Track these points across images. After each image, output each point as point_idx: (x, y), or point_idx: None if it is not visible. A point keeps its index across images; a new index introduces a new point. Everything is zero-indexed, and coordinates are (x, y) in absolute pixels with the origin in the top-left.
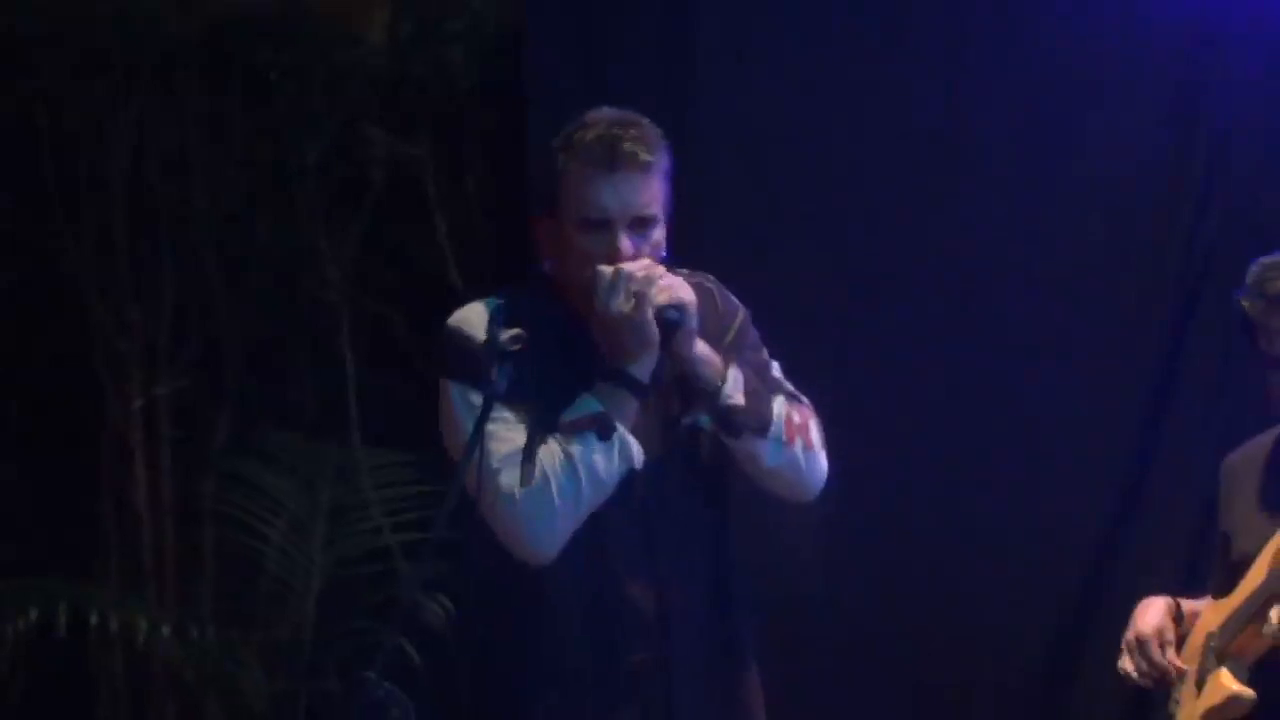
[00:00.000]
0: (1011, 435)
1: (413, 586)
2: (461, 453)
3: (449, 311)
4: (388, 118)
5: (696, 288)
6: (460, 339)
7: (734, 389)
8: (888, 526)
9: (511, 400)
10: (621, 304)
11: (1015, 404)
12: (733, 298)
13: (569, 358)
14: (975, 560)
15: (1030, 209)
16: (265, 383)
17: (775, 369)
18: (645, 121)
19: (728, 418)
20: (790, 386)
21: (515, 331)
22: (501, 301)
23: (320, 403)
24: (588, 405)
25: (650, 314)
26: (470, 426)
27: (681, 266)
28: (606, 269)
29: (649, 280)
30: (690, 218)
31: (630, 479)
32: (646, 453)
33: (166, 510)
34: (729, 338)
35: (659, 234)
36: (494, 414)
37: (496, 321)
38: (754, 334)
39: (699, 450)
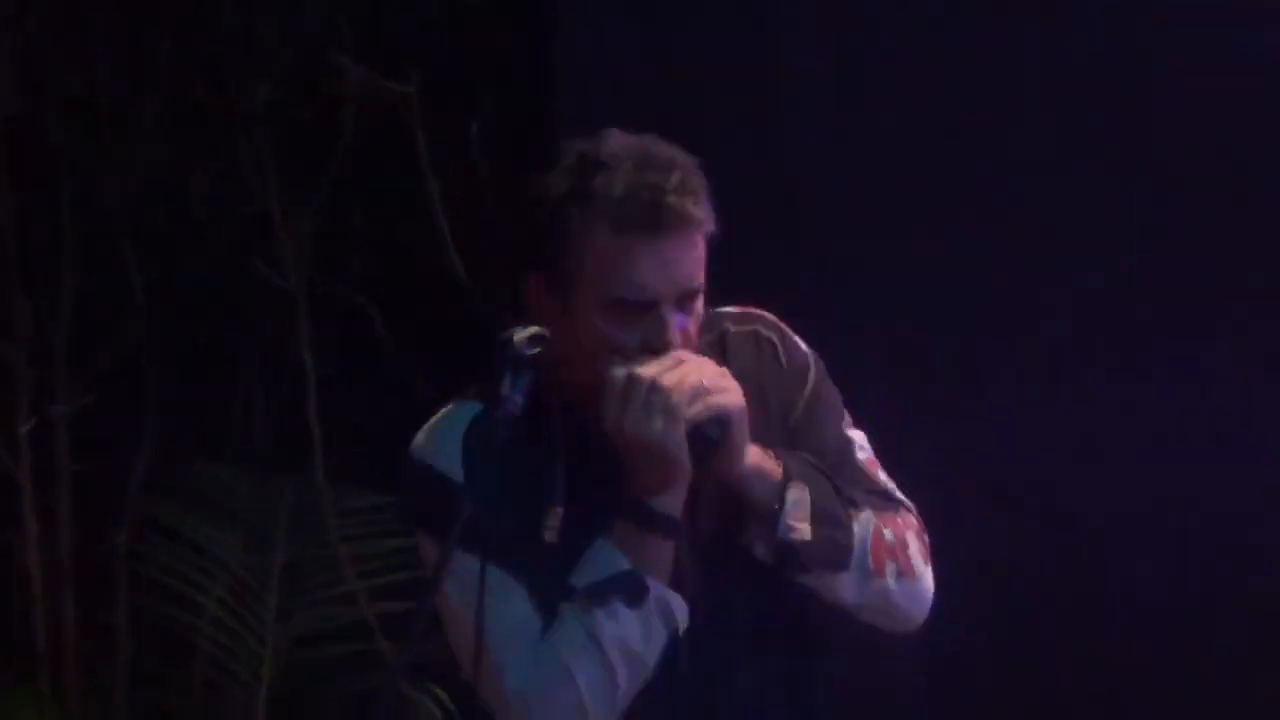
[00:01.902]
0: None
1: (397, 675)
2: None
3: (442, 305)
4: (362, 44)
5: (751, 341)
6: (423, 478)
7: (795, 517)
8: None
9: (503, 553)
10: (638, 422)
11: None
12: (801, 345)
13: (578, 480)
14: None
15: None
16: (198, 400)
17: (860, 447)
18: (680, 156)
19: (788, 554)
20: (882, 478)
21: (533, 330)
22: (479, 409)
23: (272, 427)
24: (607, 558)
25: (681, 435)
26: (455, 594)
27: (725, 303)
28: (619, 373)
29: (679, 387)
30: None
31: (675, 642)
32: (689, 588)
33: (66, 571)
34: (798, 411)
35: (701, 304)
36: (487, 582)
37: (471, 449)
38: (830, 396)
39: (762, 579)
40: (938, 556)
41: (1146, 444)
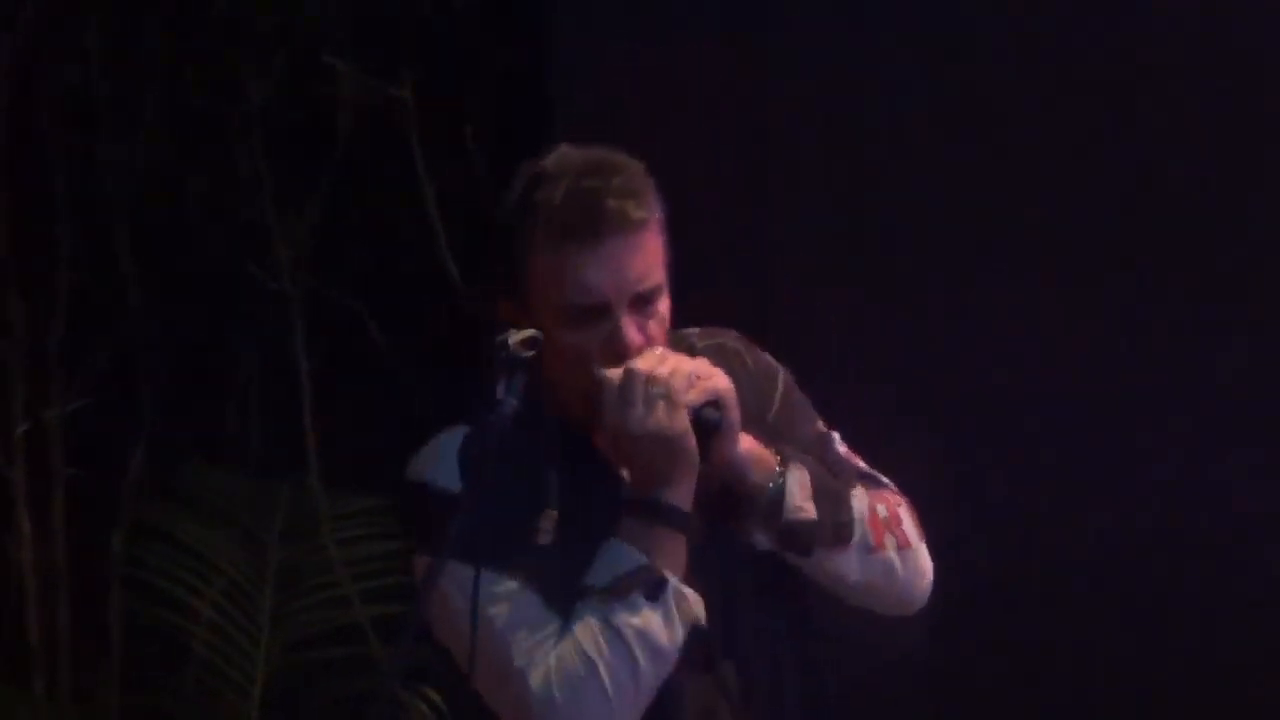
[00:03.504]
0: None
1: (391, 678)
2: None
3: (438, 308)
4: (358, 46)
5: (719, 353)
6: (420, 496)
7: (800, 497)
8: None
9: (511, 563)
10: (642, 417)
11: None
12: (766, 356)
13: (576, 488)
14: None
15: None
16: (193, 403)
17: (837, 441)
18: (623, 160)
19: (793, 536)
20: (861, 464)
21: (527, 334)
22: (468, 430)
23: (267, 429)
24: (621, 556)
25: (686, 421)
26: (460, 605)
27: (688, 325)
28: (613, 374)
29: (674, 376)
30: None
31: (696, 639)
32: (699, 582)
33: (60, 573)
34: (772, 412)
35: (664, 303)
36: (494, 587)
37: (467, 462)
38: (801, 399)
39: (763, 570)
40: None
41: (1146, 445)
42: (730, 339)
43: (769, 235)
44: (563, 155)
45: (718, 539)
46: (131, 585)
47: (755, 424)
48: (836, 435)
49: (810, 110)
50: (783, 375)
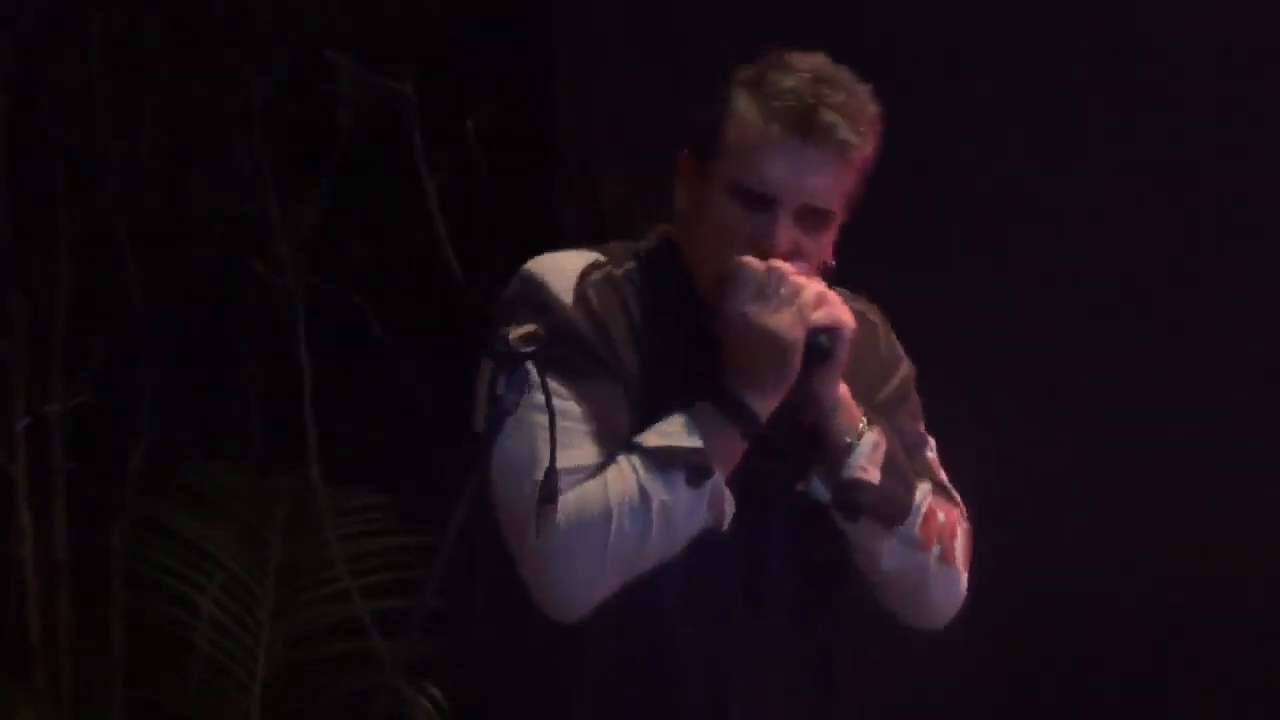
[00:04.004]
0: None
1: (393, 673)
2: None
3: (439, 304)
4: (359, 42)
5: (859, 318)
6: (531, 287)
7: (868, 459)
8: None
9: (581, 384)
10: (766, 313)
11: None
12: (898, 344)
13: (674, 347)
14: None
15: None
16: (194, 398)
17: (931, 449)
18: (862, 90)
19: (850, 494)
20: (944, 478)
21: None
22: (604, 257)
23: (268, 425)
24: (683, 430)
25: (803, 333)
26: (522, 416)
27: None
28: (755, 263)
29: (806, 289)
30: None
31: (705, 545)
32: (739, 512)
33: (61, 569)
34: (883, 393)
35: (828, 237)
36: (555, 400)
37: (585, 294)
38: (916, 400)
39: (808, 522)
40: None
41: (1145, 450)
42: (872, 311)
43: None
44: (811, 57)
45: (777, 472)
46: (133, 581)
47: (863, 397)
48: (933, 442)
49: None
50: (905, 367)
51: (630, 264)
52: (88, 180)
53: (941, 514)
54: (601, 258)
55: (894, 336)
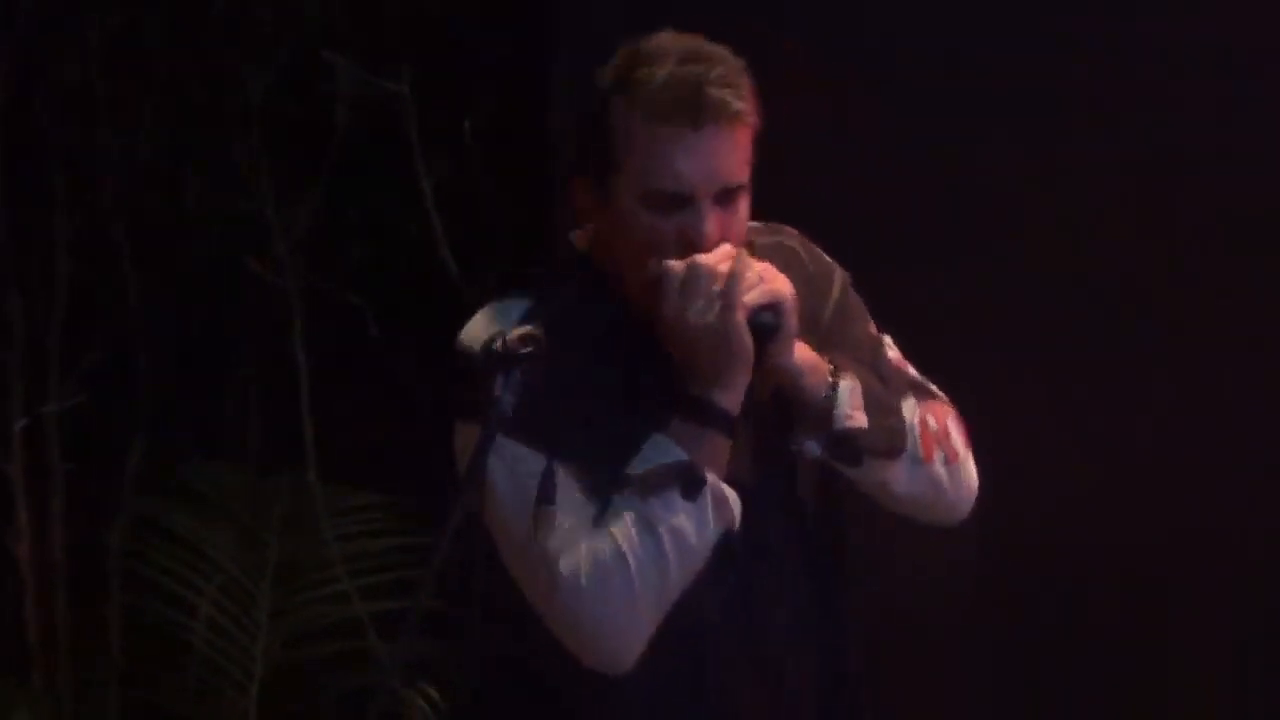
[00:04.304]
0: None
1: (390, 674)
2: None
3: (437, 302)
4: (357, 41)
5: (777, 251)
6: (468, 362)
7: (850, 405)
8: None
9: (553, 441)
10: (701, 312)
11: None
12: (824, 256)
13: (627, 377)
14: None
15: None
16: (192, 398)
17: (890, 346)
18: (725, 53)
19: (846, 444)
20: (913, 371)
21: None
22: (529, 303)
23: (265, 424)
24: (663, 450)
25: (743, 321)
26: (507, 487)
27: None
28: (676, 265)
29: (736, 276)
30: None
31: (725, 542)
32: (739, 491)
33: (58, 569)
34: (827, 314)
35: (745, 203)
36: (534, 465)
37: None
38: (856, 301)
39: (800, 481)
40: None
41: (1143, 444)
42: (788, 236)
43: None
44: (663, 39)
45: (763, 449)
46: (130, 581)
47: (810, 325)
48: (888, 339)
49: (810, 108)
50: (839, 275)
51: (504, 401)
52: (86, 180)
53: (931, 418)
54: (527, 301)
55: (814, 248)
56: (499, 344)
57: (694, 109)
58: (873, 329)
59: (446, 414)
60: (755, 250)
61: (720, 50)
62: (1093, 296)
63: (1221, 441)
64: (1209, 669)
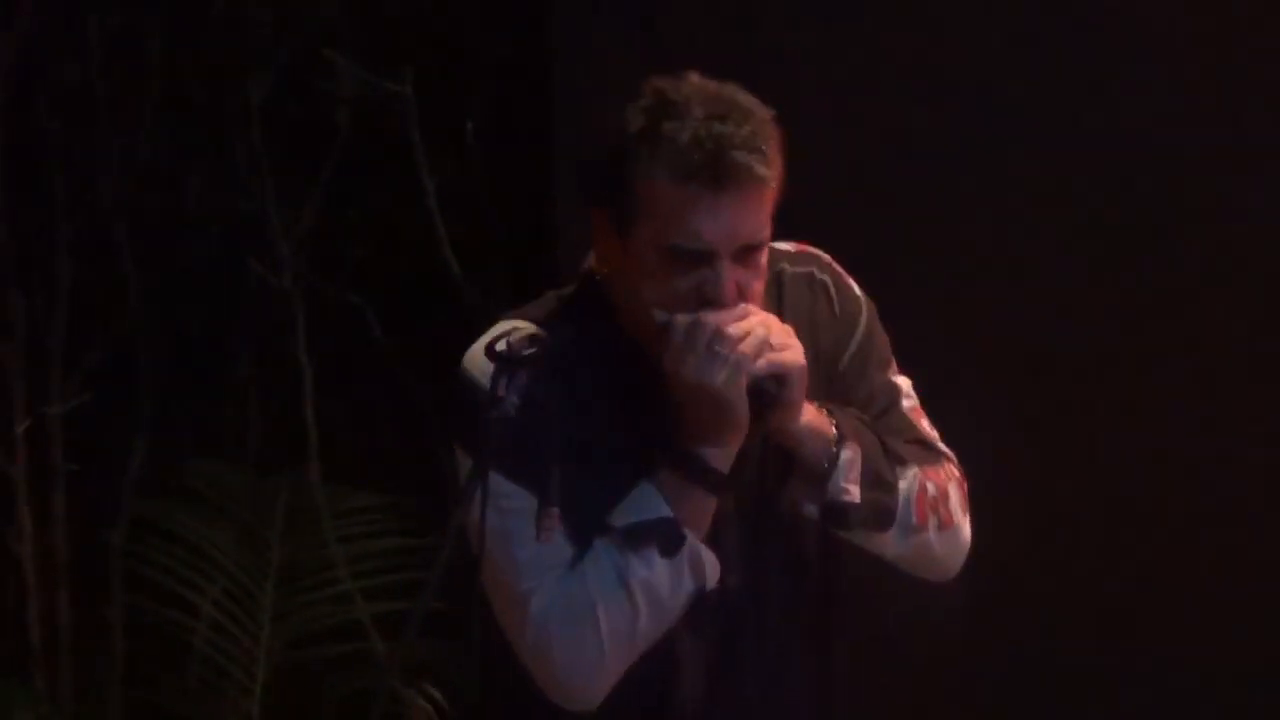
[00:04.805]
0: None
1: (392, 674)
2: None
3: (439, 302)
4: (358, 41)
5: (806, 283)
6: (470, 387)
7: (847, 479)
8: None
9: (539, 480)
10: (700, 369)
11: None
12: (854, 289)
13: (623, 413)
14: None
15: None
16: (193, 399)
17: (905, 395)
18: (753, 106)
19: (837, 514)
20: (925, 427)
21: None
22: (534, 329)
23: (267, 426)
24: (648, 502)
25: (742, 387)
26: (491, 520)
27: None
28: (681, 319)
29: (745, 337)
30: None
31: (701, 596)
32: (725, 545)
33: (60, 569)
34: (846, 358)
35: (764, 255)
36: (520, 502)
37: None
38: (879, 342)
39: (796, 528)
40: None
41: (1143, 441)
42: (819, 268)
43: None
44: (693, 85)
45: (759, 503)
46: (132, 581)
47: (825, 370)
48: (906, 386)
49: (810, 107)
50: (865, 315)
51: (508, 402)
52: (86, 180)
53: (931, 484)
54: (531, 327)
55: (845, 281)
56: (503, 345)
57: (719, 172)
58: (893, 374)
59: (447, 431)
60: (784, 280)
61: (749, 103)
62: (1089, 302)
63: (1219, 446)
64: (1210, 669)
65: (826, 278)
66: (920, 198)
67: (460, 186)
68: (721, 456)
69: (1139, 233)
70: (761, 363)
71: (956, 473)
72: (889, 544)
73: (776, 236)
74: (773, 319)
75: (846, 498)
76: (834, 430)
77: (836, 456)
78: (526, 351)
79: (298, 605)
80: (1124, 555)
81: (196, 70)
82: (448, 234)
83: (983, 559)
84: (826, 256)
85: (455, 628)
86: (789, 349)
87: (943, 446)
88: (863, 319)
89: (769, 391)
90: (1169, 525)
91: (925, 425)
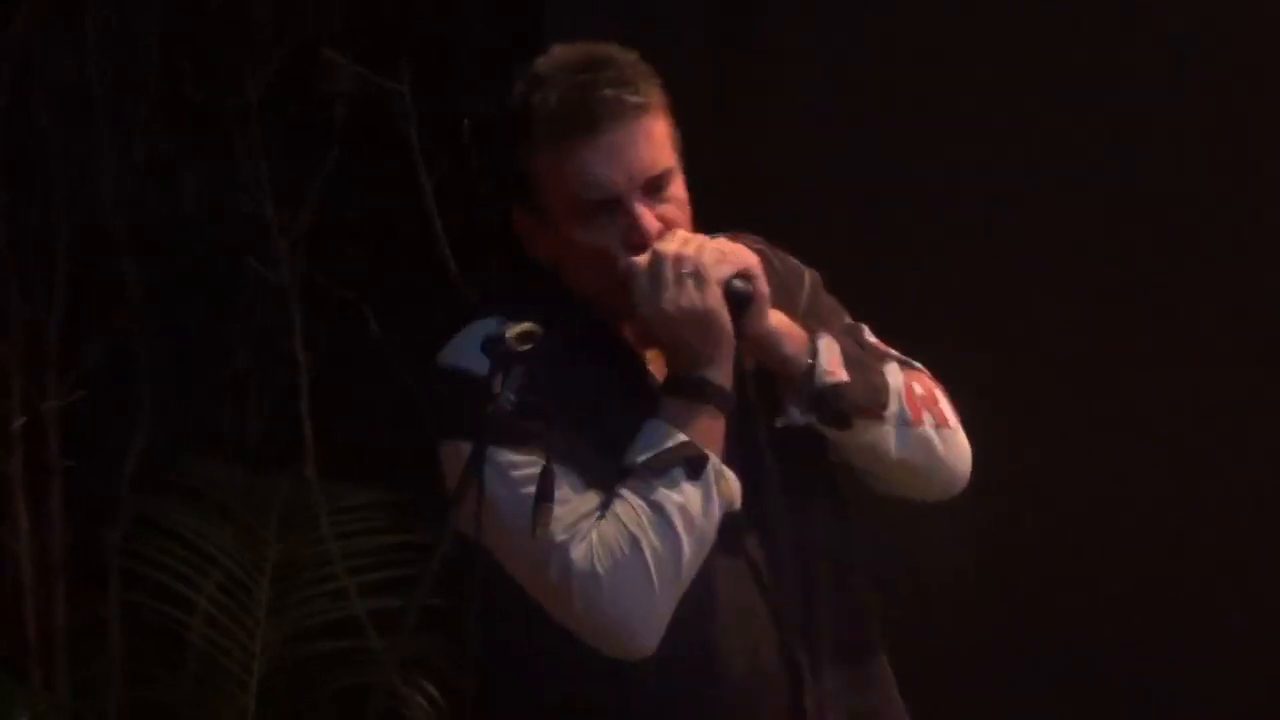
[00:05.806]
0: None
1: (389, 670)
2: (501, 534)
3: (437, 300)
4: (356, 39)
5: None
6: (452, 381)
7: (830, 362)
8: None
9: (547, 442)
10: (675, 297)
11: None
12: (791, 258)
13: (610, 380)
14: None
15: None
16: (191, 396)
17: (868, 332)
18: (616, 51)
19: (831, 401)
20: (895, 352)
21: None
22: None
23: (264, 423)
24: (661, 434)
25: (719, 295)
26: (504, 493)
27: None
28: (641, 260)
29: (700, 252)
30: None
31: (728, 520)
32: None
33: (57, 566)
34: (800, 309)
35: (679, 187)
36: (532, 468)
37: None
38: (829, 297)
39: (793, 460)
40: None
41: (1143, 441)
42: (753, 241)
43: (765, 230)
44: (554, 55)
45: (750, 421)
46: (129, 578)
47: (786, 313)
48: (866, 328)
49: (809, 106)
50: (809, 274)
51: (505, 398)
52: (85, 177)
53: (916, 384)
54: (502, 319)
55: (781, 251)
56: (499, 342)
57: (590, 115)
58: (848, 319)
59: (437, 430)
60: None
61: (613, 50)
62: (1093, 295)
63: (1222, 440)
64: (1209, 670)
65: (762, 246)
66: (920, 198)
67: (458, 185)
68: (721, 373)
69: (1139, 233)
70: (724, 266)
71: (937, 383)
72: (890, 441)
73: (774, 237)
74: (706, 236)
75: (833, 379)
76: (805, 329)
77: (815, 346)
78: (522, 348)
79: (295, 601)
80: (1124, 555)
81: (194, 68)
82: (445, 232)
83: (983, 559)
84: (758, 236)
85: (452, 623)
86: (739, 249)
87: (917, 364)
88: (807, 275)
89: (742, 290)
90: (1169, 525)
91: (894, 351)
